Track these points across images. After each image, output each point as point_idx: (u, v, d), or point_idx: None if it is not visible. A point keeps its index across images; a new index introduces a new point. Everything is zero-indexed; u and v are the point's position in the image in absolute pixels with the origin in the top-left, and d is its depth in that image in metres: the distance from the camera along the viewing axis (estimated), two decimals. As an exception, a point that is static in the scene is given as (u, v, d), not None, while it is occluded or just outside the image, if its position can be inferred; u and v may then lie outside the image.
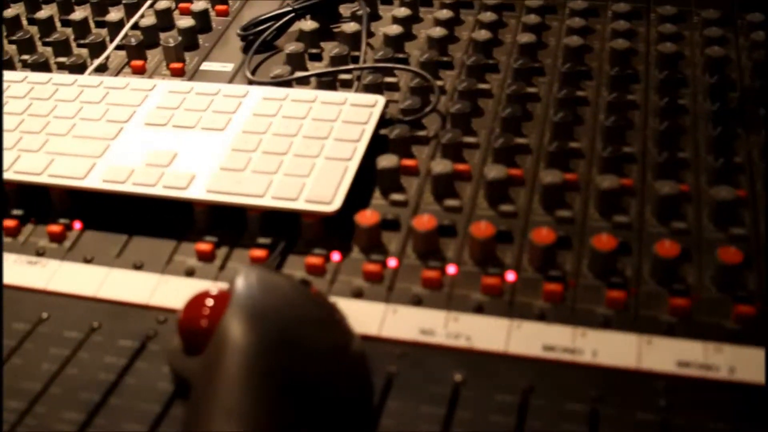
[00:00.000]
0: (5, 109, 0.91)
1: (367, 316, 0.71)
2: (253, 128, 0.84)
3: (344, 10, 1.06)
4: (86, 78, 0.91)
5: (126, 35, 1.00)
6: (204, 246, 0.76)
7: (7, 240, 0.81)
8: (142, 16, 1.04)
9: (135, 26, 1.00)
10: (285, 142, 0.81)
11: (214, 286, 0.67)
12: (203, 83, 0.90)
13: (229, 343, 0.60)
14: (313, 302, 0.65)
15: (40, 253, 0.80)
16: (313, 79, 0.92)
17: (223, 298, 0.64)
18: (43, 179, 0.80)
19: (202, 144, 0.83)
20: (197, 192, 0.77)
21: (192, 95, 0.87)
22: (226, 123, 0.84)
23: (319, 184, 0.77)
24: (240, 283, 0.64)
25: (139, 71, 0.93)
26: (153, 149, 0.83)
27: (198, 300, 0.65)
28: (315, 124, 0.83)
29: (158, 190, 0.78)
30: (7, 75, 0.95)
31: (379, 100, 0.84)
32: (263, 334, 0.61)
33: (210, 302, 0.65)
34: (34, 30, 1.07)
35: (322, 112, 0.85)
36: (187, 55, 0.97)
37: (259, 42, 0.97)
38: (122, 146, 0.84)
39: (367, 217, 0.75)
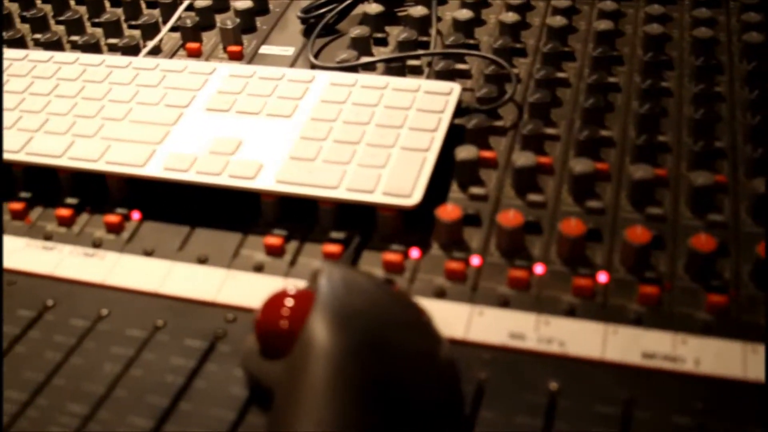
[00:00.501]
0: (57, 91, 0.88)
1: (451, 318, 0.66)
2: (322, 115, 0.79)
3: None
4: (141, 60, 0.86)
5: (180, 16, 0.99)
6: (273, 240, 0.72)
7: (61, 230, 0.78)
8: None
9: (189, 7, 0.99)
10: (357, 131, 0.76)
11: (292, 285, 0.62)
12: (266, 67, 0.86)
13: (315, 348, 0.56)
14: (399, 303, 0.61)
15: (96, 244, 0.76)
16: (379, 65, 0.91)
17: (304, 299, 0.60)
18: (100, 166, 0.76)
19: (268, 131, 0.78)
20: (266, 182, 0.73)
21: (255, 80, 0.81)
22: (292, 109, 0.79)
23: (396, 176, 0.73)
24: (324, 282, 0.59)
25: (195, 54, 0.89)
26: (216, 136, 0.79)
27: (277, 300, 0.61)
28: (388, 112, 0.78)
29: (224, 180, 0.74)
30: (58, 56, 0.91)
31: (455, 88, 0.80)
32: (351, 338, 0.57)
33: (290, 302, 0.60)
34: (82, 10, 1.03)
35: (394, 100, 0.80)
36: (245, 38, 0.93)
37: (322, 25, 0.90)
38: (183, 132, 0.79)
39: (448, 212, 0.71)
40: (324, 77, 0.84)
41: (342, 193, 0.72)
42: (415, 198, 0.72)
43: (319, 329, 0.57)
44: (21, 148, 0.79)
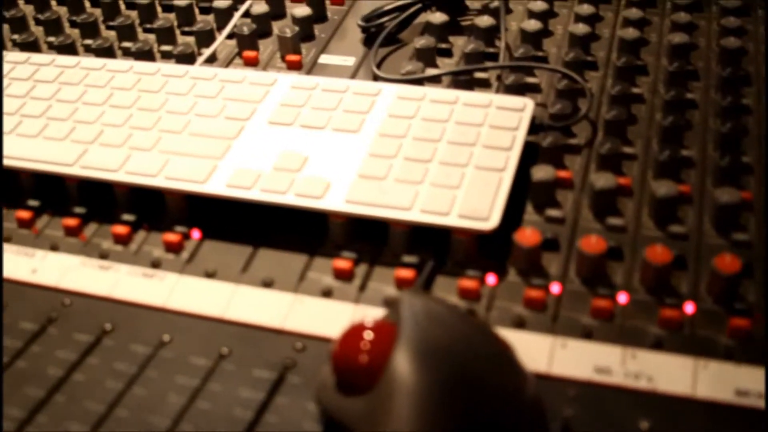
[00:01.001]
0: (111, 101, 0.85)
1: (533, 350, 0.63)
2: (390, 131, 0.75)
3: (471, 2, 0.99)
4: (198, 69, 0.83)
5: (236, 24, 0.96)
6: (342, 263, 0.69)
7: (117, 248, 0.75)
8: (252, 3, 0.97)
9: (245, 14, 0.97)
10: (428, 148, 0.73)
11: (369, 315, 0.59)
12: (329, 79, 0.82)
13: (400, 385, 0.53)
14: (484, 337, 0.58)
15: (155, 264, 0.72)
16: (444, 78, 0.88)
17: (384, 332, 0.57)
18: (159, 182, 0.73)
19: (334, 147, 0.75)
20: (335, 202, 0.69)
21: (318, 92, 0.77)
22: (359, 124, 0.75)
23: (471, 198, 0.69)
24: (406, 315, 0.57)
25: (252, 63, 0.86)
26: (280, 151, 0.75)
27: (355, 333, 0.57)
28: (459, 129, 0.75)
29: (290, 199, 0.71)
30: (111, 63, 0.88)
31: (528, 104, 0.76)
32: (438, 376, 0.54)
33: (370, 336, 0.57)
34: (134, 15, 1.00)
35: (465, 115, 0.76)
36: (303, 47, 0.90)
37: (384, 35, 0.85)
38: (245, 147, 0.76)
39: (527, 237, 0.68)
40: (390, 90, 0.81)
41: (416, 216, 0.69)
42: (492, 222, 0.68)
43: (404, 366, 0.54)
44: (75, 161, 0.75)
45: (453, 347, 0.56)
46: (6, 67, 0.88)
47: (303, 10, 0.88)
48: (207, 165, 0.74)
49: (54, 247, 0.74)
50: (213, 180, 0.73)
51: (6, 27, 1.01)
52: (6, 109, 0.83)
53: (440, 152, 0.74)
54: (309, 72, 0.87)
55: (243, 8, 0.96)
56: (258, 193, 0.72)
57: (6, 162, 0.78)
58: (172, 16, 0.98)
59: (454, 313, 0.58)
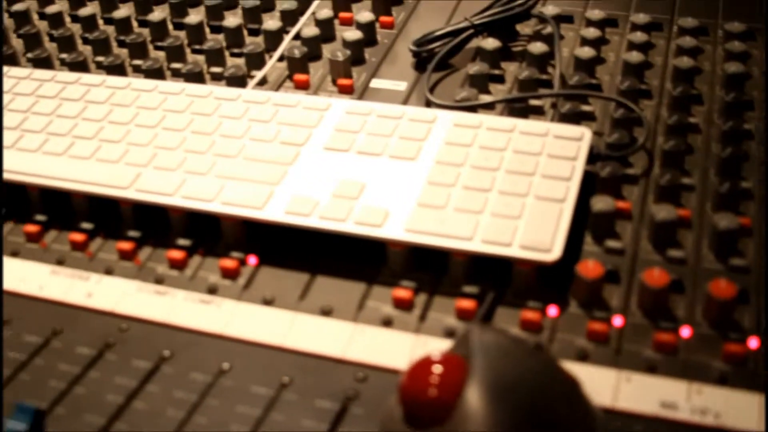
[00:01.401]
0: (164, 123, 0.85)
1: (597, 384, 0.62)
2: (448, 159, 0.75)
3: (521, 27, 0.98)
4: (251, 93, 0.82)
5: (287, 46, 0.95)
6: (402, 293, 0.69)
7: (172, 273, 0.75)
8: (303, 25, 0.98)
9: (295, 36, 0.97)
10: (487, 177, 0.72)
11: (436, 348, 0.59)
12: (384, 104, 0.82)
13: (472, 422, 0.53)
14: (554, 373, 0.57)
15: (212, 290, 0.72)
16: (497, 104, 0.87)
17: (454, 366, 0.57)
18: (216, 207, 0.72)
19: (392, 174, 0.74)
20: (394, 231, 0.69)
21: (373, 118, 0.77)
22: (416, 151, 0.75)
23: (533, 228, 0.69)
24: (477, 348, 0.56)
25: (303, 86, 0.85)
26: (338, 178, 0.75)
27: (425, 366, 0.57)
28: (518, 158, 0.74)
29: (350, 227, 0.70)
30: (162, 85, 0.88)
31: (586, 133, 0.76)
32: (511, 413, 0.53)
33: (439, 369, 0.56)
34: (182, 35, 1.00)
35: (523, 144, 0.76)
36: (354, 70, 0.89)
37: (437, 60, 0.85)
38: (301, 173, 0.76)
39: (589, 269, 0.67)
40: (446, 117, 0.80)
41: (477, 246, 0.68)
42: (555, 253, 0.68)
43: (477, 402, 0.54)
44: (130, 184, 0.75)
45: (525, 383, 0.55)
46: (56, 87, 0.89)
47: (354, 34, 0.88)
48: (264, 190, 0.74)
49: (109, 271, 0.74)
50: (271, 206, 0.73)
51: (54, 46, 1.03)
52: (58, 130, 0.85)
53: (499, 181, 0.73)
54: (361, 96, 0.87)
55: (294, 31, 0.95)
56: (317, 221, 0.71)
57: (58, 184, 0.78)
58: (221, 37, 0.96)
59: (524, 348, 0.58)
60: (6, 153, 0.81)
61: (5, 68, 0.91)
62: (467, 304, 0.67)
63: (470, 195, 0.72)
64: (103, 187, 0.77)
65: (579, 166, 0.73)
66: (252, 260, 0.73)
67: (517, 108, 0.85)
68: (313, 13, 0.98)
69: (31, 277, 0.73)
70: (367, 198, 0.72)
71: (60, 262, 0.74)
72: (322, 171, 0.76)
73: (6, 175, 0.78)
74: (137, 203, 0.76)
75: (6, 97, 0.88)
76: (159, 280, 0.72)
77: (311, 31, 0.91)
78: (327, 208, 0.72)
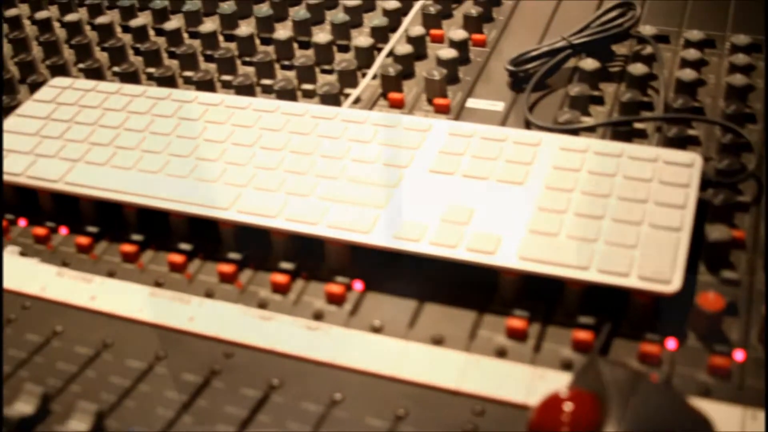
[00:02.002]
0: (261, 142, 0.84)
1: (722, 421, 0.59)
2: (557, 184, 0.73)
3: (617, 47, 0.97)
4: (349, 112, 0.81)
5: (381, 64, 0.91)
6: (516, 322, 0.67)
7: (276, 297, 0.74)
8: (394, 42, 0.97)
9: (388, 53, 0.92)
10: (599, 204, 0.71)
11: (561, 384, 0.59)
12: (486, 126, 0.80)
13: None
14: (686, 411, 0.56)
15: (317, 316, 0.70)
16: (596, 127, 0.85)
17: (586, 403, 0.56)
18: (321, 231, 0.72)
19: (500, 199, 0.73)
20: (508, 259, 0.67)
21: (477, 140, 0.76)
22: (524, 176, 0.73)
23: (650, 258, 0.67)
24: (610, 386, 0.55)
25: (398, 105, 0.84)
26: (445, 202, 0.73)
27: (554, 403, 0.56)
28: (628, 184, 0.73)
29: (461, 254, 0.68)
30: (258, 103, 0.88)
31: (696, 160, 0.74)
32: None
33: (569, 407, 0.55)
34: (270, 50, 0.99)
35: (632, 169, 0.74)
36: (449, 89, 0.87)
37: (536, 80, 0.83)
38: (407, 196, 0.74)
39: (710, 302, 0.66)
40: (551, 140, 0.78)
41: (594, 276, 0.67)
42: (675, 284, 0.66)
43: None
44: (231, 205, 0.74)
45: (660, 423, 0.55)
46: (147, 103, 0.89)
47: (449, 53, 0.86)
48: (370, 214, 0.73)
49: (209, 294, 0.73)
50: (378, 230, 0.72)
51: (106, 61, 1.02)
52: (152, 147, 0.84)
53: (611, 208, 0.71)
54: (457, 116, 0.86)
55: (387, 48, 0.93)
56: (427, 247, 0.70)
57: (156, 203, 0.78)
58: (310, 53, 0.94)
59: (654, 385, 0.57)
60: (99, 170, 0.82)
61: (93, 82, 0.88)
62: (584, 335, 0.66)
63: (583, 222, 0.70)
64: (203, 207, 0.76)
65: (692, 194, 0.72)
66: (358, 285, 0.71)
67: (621, 131, 0.81)
68: (406, 30, 0.93)
69: (129, 299, 0.72)
70: (477, 223, 0.71)
71: (158, 284, 0.73)
72: (428, 194, 0.74)
73: (100, 193, 0.79)
74: (238, 225, 0.73)
75: (95, 113, 0.89)
76: (262, 305, 0.71)
77: (404, 48, 0.89)
78: (437, 233, 0.70)
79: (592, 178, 0.73)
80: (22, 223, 0.78)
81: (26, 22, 1.08)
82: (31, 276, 0.74)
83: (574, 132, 0.81)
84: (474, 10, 0.96)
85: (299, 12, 0.99)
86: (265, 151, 0.79)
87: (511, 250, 0.68)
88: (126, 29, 1.05)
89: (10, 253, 0.75)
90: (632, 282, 0.65)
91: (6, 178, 0.80)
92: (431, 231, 0.70)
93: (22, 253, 0.75)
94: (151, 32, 1.04)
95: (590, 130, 0.84)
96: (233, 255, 0.73)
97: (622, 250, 0.67)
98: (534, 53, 0.89)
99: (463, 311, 0.69)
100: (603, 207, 0.71)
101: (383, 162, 0.77)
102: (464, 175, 0.75)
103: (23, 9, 1.11)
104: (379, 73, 0.90)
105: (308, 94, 0.90)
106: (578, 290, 0.66)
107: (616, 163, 0.74)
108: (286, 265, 0.72)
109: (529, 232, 0.69)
